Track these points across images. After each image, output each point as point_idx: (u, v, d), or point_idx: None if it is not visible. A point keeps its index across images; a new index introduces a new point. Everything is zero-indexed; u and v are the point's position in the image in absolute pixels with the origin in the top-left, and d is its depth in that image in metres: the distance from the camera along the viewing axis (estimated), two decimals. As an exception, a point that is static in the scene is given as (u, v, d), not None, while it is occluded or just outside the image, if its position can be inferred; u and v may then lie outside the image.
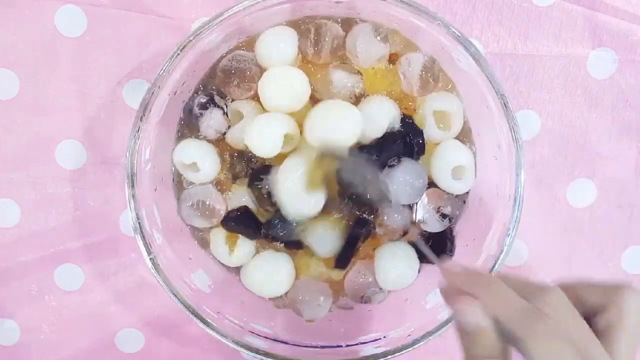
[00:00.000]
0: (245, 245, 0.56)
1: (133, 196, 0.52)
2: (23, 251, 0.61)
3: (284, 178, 0.52)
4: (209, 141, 0.56)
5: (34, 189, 0.61)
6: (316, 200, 0.53)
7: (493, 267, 0.52)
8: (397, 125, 0.54)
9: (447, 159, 0.55)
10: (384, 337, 0.55)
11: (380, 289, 0.57)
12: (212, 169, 0.55)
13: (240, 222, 0.55)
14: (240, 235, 0.56)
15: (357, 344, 0.56)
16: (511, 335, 0.35)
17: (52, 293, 0.62)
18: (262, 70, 0.54)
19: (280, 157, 0.53)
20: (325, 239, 0.55)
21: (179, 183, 0.57)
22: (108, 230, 0.61)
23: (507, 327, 0.35)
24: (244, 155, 0.55)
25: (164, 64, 0.50)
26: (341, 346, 0.56)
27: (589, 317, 0.36)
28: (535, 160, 0.61)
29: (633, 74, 0.60)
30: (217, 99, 0.55)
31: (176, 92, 0.54)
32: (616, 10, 0.59)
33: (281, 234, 0.54)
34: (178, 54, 0.51)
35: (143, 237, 0.52)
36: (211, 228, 0.57)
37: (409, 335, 0.53)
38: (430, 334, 0.52)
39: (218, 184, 0.57)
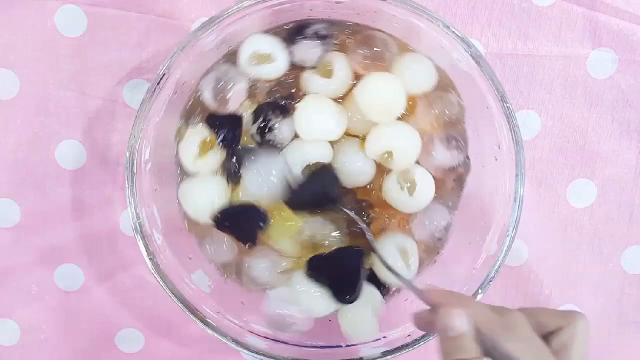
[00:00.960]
0: (214, 157, 0.54)
1: (133, 196, 0.52)
2: (23, 251, 0.61)
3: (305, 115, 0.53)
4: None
5: (34, 189, 0.61)
6: (337, 124, 0.53)
7: (493, 266, 0.52)
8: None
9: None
10: (384, 337, 0.55)
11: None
12: (284, 65, 0.54)
13: (227, 123, 0.54)
14: (215, 146, 0.54)
15: (357, 344, 0.56)
16: (488, 339, 0.39)
17: (52, 293, 0.62)
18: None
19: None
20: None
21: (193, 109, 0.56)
22: (108, 230, 0.61)
23: (485, 332, 0.40)
24: (282, 91, 0.55)
25: (164, 64, 0.50)
26: (341, 346, 0.56)
27: (545, 337, 0.41)
28: (535, 160, 0.61)
29: (633, 74, 0.60)
30: (328, 40, 0.54)
31: (176, 92, 0.54)
32: (616, 10, 0.59)
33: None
34: (178, 54, 0.51)
35: (143, 237, 0.52)
36: (198, 124, 0.55)
37: (409, 335, 0.53)
38: (430, 334, 0.52)
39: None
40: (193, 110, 0.56)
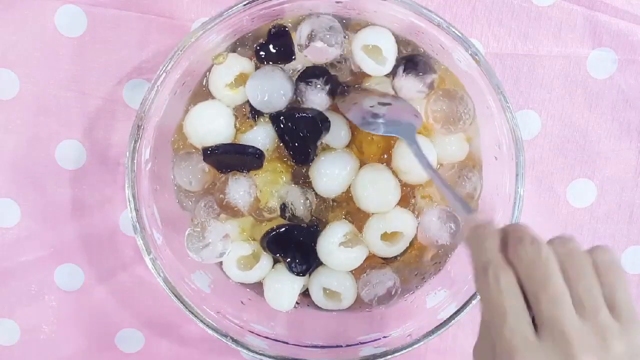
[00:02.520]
0: (241, 94, 0.55)
1: (133, 196, 0.52)
2: (23, 251, 0.61)
3: None
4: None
5: (34, 189, 0.61)
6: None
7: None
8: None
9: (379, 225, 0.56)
10: (384, 337, 0.55)
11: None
12: (386, 72, 0.55)
13: (279, 50, 0.55)
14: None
15: (357, 344, 0.56)
16: None
17: (52, 293, 0.62)
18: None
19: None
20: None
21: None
22: (108, 230, 0.61)
23: None
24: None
25: (164, 64, 0.51)
26: (341, 346, 0.56)
27: None
28: (535, 160, 0.61)
29: (633, 74, 0.60)
30: (429, 87, 0.55)
31: (176, 92, 0.54)
32: (616, 10, 0.59)
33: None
34: (178, 54, 0.51)
35: (143, 237, 0.52)
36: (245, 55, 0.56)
37: (409, 335, 0.53)
38: (430, 334, 0.52)
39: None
40: (245, 41, 0.56)
